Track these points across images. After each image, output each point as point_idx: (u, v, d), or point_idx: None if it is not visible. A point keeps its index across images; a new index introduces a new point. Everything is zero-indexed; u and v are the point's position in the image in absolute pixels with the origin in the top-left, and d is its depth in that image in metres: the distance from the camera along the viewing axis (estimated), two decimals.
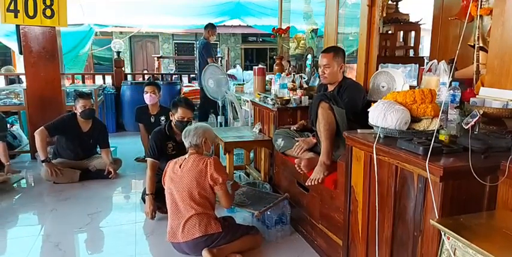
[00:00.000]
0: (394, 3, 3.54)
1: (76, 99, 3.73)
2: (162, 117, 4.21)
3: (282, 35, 4.46)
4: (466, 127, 1.58)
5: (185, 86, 6.65)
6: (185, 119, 3.08)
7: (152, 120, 4.26)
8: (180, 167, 2.39)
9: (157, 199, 2.89)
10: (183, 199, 2.31)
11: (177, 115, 3.08)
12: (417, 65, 2.80)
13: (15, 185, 3.55)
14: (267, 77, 4.17)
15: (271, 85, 3.66)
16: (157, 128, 3.21)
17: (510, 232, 1.22)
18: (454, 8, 2.89)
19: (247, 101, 4.10)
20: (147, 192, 2.88)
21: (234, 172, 3.52)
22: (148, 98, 4.22)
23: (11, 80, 6.27)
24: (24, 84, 4.70)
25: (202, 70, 5.33)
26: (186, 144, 2.47)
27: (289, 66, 4.24)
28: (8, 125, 4.83)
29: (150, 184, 2.88)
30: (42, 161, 3.63)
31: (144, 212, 2.93)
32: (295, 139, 2.74)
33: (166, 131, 3.13)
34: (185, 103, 3.11)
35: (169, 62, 13.34)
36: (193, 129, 2.47)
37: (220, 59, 9.10)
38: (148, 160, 2.99)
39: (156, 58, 9.11)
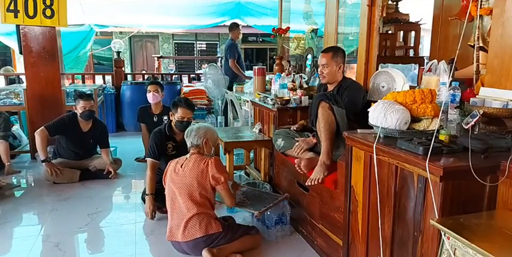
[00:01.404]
0: (394, 3, 3.54)
1: (76, 100, 3.72)
2: (165, 117, 4.21)
3: (282, 35, 4.46)
4: (466, 127, 1.58)
5: (185, 86, 6.65)
6: (185, 120, 3.08)
7: (155, 119, 4.26)
8: (181, 166, 2.39)
9: (157, 198, 2.89)
10: (184, 199, 2.31)
11: (177, 115, 3.08)
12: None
13: (12, 191, 3.46)
14: (267, 77, 4.17)
15: (271, 85, 3.66)
16: (157, 128, 3.21)
17: (510, 232, 1.22)
18: (454, 7, 2.89)
19: (247, 101, 4.10)
20: (147, 192, 2.88)
21: (234, 171, 3.52)
22: (151, 97, 4.22)
23: (11, 80, 6.27)
24: (24, 84, 4.70)
25: (225, 71, 5.47)
26: (188, 144, 2.47)
27: (289, 66, 4.24)
28: None
29: (150, 184, 2.88)
30: (42, 161, 3.64)
31: (144, 212, 2.94)
32: (295, 139, 2.74)
33: (166, 131, 3.13)
34: (185, 103, 3.11)
35: (169, 62, 13.34)
36: (195, 129, 2.47)
37: (220, 59, 9.11)
38: (149, 160, 2.99)
39: (156, 58, 9.11)
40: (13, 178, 3.80)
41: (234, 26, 5.83)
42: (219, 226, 2.31)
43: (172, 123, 3.15)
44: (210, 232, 2.27)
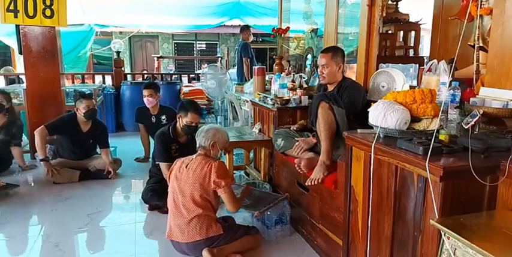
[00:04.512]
0: (394, 3, 3.54)
1: (79, 100, 3.73)
2: (163, 117, 4.21)
3: (282, 34, 4.45)
4: (466, 127, 1.58)
5: (185, 86, 6.64)
6: (193, 124, 3.08)
7: (153, 120, 4.25)
8: (186, 167, 2.38)
9: (158, 198, 2.90)
10: (185, 199, 2.30)
11: (185, 119, 3.06)
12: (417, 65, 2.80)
13: (12, 191, 3.43)
14: (267, 77, 4.17)
15: (271, 85, 3.66)
16: (159, 131, 3.20)
17: (510, 231, 1.22)
18: (454, 7, 2.88)
19: (247, 101, 4.10)
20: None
21: (234, 171, 3.52)
22: (146, 101, 4.21)
23: (11, 80, 6.26)
24: (24, 84, 4.70)
25: (239, 70, 5.52)
26: (197, 143, 2.47)
27: (289, 66, 4.24)
28: None
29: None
30: (41, 160, 3.64)
31: (143, 212, 2.93)
32: (295, 138, 2.74)
33: (170, 134, 3.12)
34: (194, 108, 3.10)
35: (169, 62, 13.33)
36: (205, 130, 2.46)
37: (220, 59, 9.13)
38: (161, 164, 3.01)
39: (155, 58, 9.11)
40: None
41: (244, 28, 6.12)
42: (219, 228, 2.30)
43: (177, 125, 3.14)
44: (211, 235, 2.26)
